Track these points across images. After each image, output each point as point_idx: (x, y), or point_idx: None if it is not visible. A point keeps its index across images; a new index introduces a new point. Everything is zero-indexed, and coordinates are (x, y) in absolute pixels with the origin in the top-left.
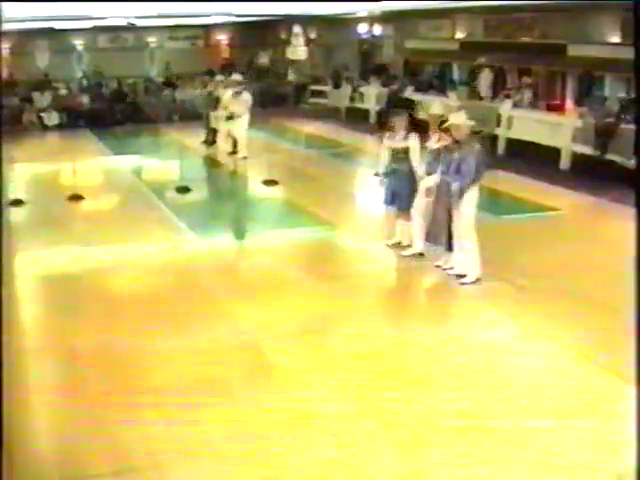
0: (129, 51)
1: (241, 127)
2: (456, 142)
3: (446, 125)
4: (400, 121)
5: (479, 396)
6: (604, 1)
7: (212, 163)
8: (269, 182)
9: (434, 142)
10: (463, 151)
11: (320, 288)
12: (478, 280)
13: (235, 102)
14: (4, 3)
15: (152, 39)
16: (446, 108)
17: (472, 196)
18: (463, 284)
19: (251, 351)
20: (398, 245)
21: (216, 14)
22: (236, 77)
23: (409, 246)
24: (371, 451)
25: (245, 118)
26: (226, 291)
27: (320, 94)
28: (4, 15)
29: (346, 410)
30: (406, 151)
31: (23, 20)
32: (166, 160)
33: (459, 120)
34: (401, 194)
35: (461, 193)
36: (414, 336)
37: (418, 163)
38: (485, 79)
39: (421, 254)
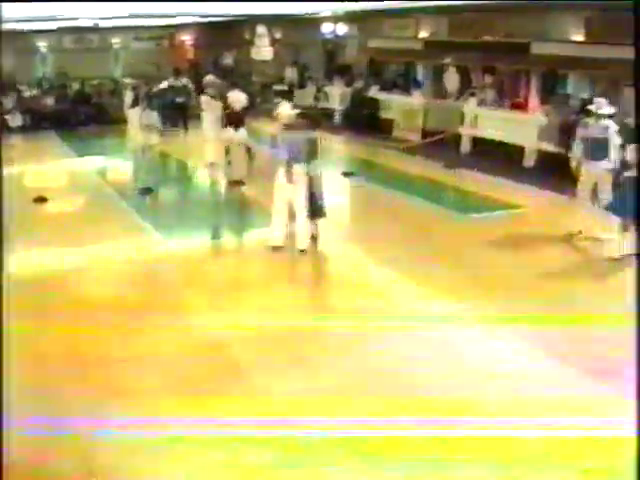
0: (94, 52)
1: (207, 129)
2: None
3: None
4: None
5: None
6: (571, 1)
7: (177, 164)
8: (235, 182)
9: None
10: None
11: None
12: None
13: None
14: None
15: (117, 40)
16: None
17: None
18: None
19: (219, 351)
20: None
21: (180, 14)
22: (211, 78)
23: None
24: None
25: (209, 120)
26: (191, 291)
27: (283, 94)
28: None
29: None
30: None
31: None
32: (130, 161)
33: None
34: None
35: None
36: None
37: None
38: (449, 78)
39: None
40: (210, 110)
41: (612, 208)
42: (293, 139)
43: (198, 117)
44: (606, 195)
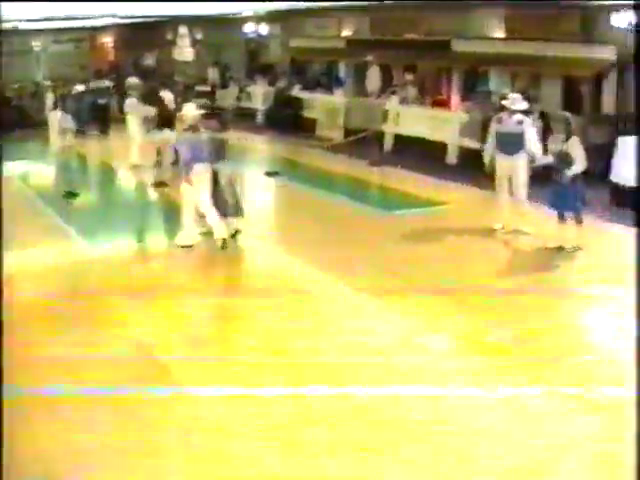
0: (14, 55)
1: (134, 131)
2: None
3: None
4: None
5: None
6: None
7: (101, 166)
8: (159, 184)
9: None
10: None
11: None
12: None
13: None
14: None
15: (37, 43)
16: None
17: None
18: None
19: (145, 356)
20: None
21: (101, 16)
22: (134, 80)
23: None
24: None
25: (135, 123)
26: (116, 295)
27: (206, 95)
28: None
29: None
30: None
31: None
32: (53, 165)
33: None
34: None
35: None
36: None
37: None
38: (371, 76)
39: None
40: (136, 112)
41: (550, 202)
42: (196, 140)
43: (120, 119)
44: (521, 189)
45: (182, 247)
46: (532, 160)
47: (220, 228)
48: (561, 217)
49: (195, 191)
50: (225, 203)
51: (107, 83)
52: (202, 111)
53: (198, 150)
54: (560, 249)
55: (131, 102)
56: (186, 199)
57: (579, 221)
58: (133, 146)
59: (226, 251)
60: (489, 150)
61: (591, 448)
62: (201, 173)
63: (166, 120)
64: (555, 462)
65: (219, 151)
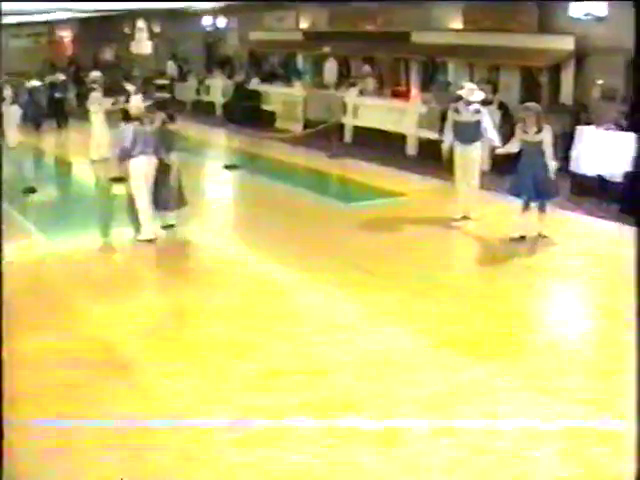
0: None
1: (95, 126)
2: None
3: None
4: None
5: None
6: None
7: (60, 163)
8: (118, 179)
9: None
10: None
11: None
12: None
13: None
14: None
15: None
16: None
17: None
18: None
19: (106, 349)
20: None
21: (58, 10)
22: (96, 74)
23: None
24: None
25: (99, 117)
26: (77, 291)
27: (164, 88)
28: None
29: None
30: None
31: None
32: (10, 161)
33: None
34: None
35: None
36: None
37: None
38: (329, 68)
39: None
40: (100, 107)
41: (510, 190)
42: (140, 132)
43: (78, 114)
44: (477, 177)
45: (142, 241)
46: (496, 147)
47: (147, 229)
48: (526, 206)
49: (132, 184)
50: (168, 196)
51: (62, 77)
52: (147, 103)
53: (141, 142)
54: (523, 238)
55: (96, 96)
56: (139, 193)
57: (543, 210)
58: (92, 141)
59: (184, 245)
60: (447, 139)
61: None
62: (140, 166)
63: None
64: None
65: (165, 143)
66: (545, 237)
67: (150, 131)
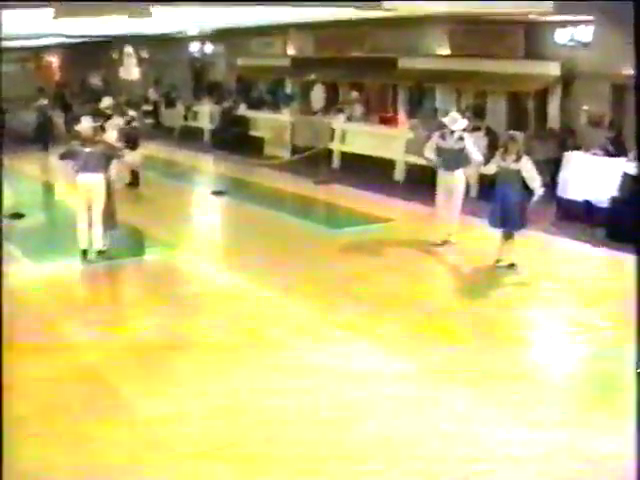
0: None
1: None
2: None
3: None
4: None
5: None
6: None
7: (47, 189)
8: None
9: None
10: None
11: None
12: None
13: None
14: None
15: None
16: None
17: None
18: None
19: (92, 375)
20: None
21: (46, 35)
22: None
23: None
24: None
25: None
26: (63, 315)
27: (150, 114)
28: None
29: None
30: None
31: None
32: None
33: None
34: None
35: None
36: None
37: None
38: (317, 94)
39: None
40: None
41: (492, 220)
42: (83, 152)
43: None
44: (459, 204)
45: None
46: (479, 165)
47: (82, 243)
48: (507, 233)
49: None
50: (111, 216)
51: (44, 102)
52: (95, 124)
53: (89, 162)
54: (498, 262)
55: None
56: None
57: (510, 237)
58: None
59: (171, 271)
60: (431, 156)
61: None
62: (85, 185)
63: (132, 139)
64: None
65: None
66: (513, 265)
67: (97, 152)
